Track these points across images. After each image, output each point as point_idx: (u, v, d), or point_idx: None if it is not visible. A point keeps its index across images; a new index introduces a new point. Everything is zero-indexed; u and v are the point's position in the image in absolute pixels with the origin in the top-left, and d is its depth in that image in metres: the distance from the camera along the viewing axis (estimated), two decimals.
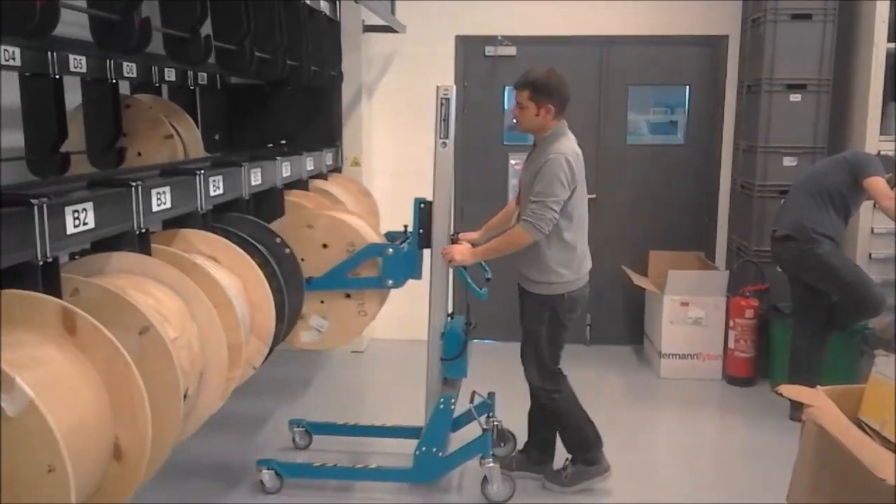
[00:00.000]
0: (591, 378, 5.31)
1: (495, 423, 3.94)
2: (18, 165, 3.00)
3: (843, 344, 4.71)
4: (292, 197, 4.02)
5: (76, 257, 2.51)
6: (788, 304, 4.89)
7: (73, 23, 2.47)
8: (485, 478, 3.57)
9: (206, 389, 2.54)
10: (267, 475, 3.61)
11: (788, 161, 5.10)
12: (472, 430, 3.80)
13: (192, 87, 4.08)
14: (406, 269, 3.77)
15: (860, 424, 2.57)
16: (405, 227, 3.86)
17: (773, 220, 4.83)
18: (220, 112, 4.45)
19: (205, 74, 4.13)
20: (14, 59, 2.65)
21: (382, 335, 5.94)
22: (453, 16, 5.70)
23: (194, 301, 2.49)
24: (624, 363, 5.63)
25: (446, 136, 3.49)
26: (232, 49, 3.30)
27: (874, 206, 4.70)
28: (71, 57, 2.92)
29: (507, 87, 5.71)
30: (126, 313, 2.14)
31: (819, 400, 2.56)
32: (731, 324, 5.12)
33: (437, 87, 3.49)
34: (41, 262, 2.06)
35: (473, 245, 3.63)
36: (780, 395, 2.84)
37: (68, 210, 2.17)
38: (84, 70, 3.02)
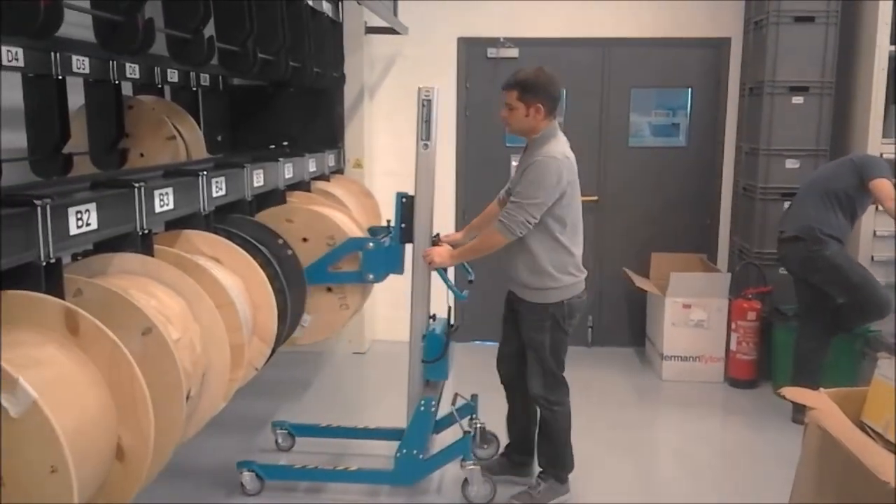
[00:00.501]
0: (593, 380, 5.31)
1: (478, 424, 3.94)
2: (21, 166, 3.00)
3: (845, 346, 4.69)
4: (294, 199, 4.03)
5: (79, 258, 2.52)
6: (791, 306, 4.89)
7: (77, 24, 2.48)
8: (465, 480, 3.57)
9: (209, 390, 2.55)
10: (247, 477, 3.60)
11: (791, 163, 5.09)
12: (455, 432, 3.79)
13: (194, 89, 4.09)
14: (387, 263, 3.77)
15: (863, 427, 2.57)
16: (388, 221, 3.85)
17: (775, 222, 4.83)
18: (223, 113, 4.45)
19: (207, 76, 4.14)
20: (17, 59, 2.66)
21: (384, 336, 5.94)
22: (455, 17, 5.70)
23: (197, 302, 2.50)
24: (626, 365, 5.63)
25: (428, 138, 3.47)
26: (235, 50, 3.30)
27: (876, 208, 4.70)
28: (74, 58, 2.93)
29: None
30: (129, 314, 2.15)
31: (822, 402, 2.55)
32: (734, 326, 5.11)
33: (419, 89, 3.45)
34: (44, 263, 2.06)
35: (456, 247, 3.62)
36: (783, 397, 2.82)
37: (71, 211, 2.18)
38: (87, 71, 3.03)
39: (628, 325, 5.96)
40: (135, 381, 1.99)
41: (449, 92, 5.78)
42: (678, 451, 4.39)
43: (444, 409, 3.85)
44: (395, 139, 5.74)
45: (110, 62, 3.18)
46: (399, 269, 3.80)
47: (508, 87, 3.38)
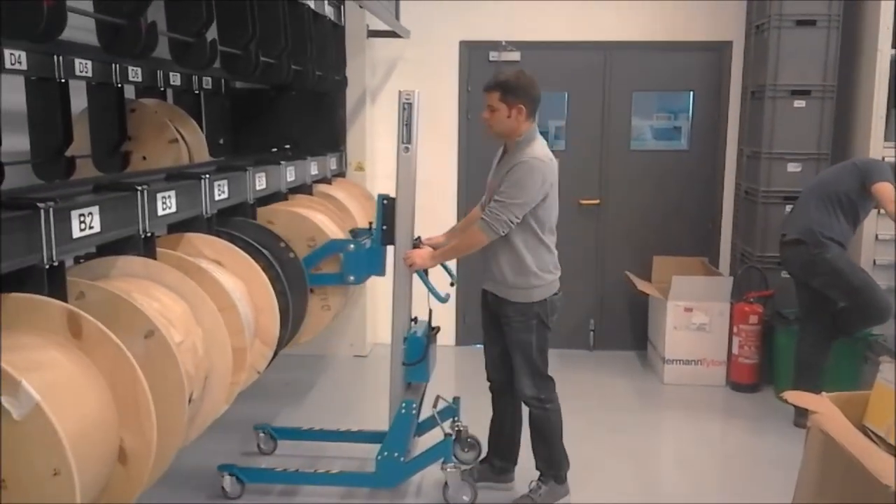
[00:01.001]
0: (595, 384, 5.31)
1: (459, 427, 3.94)
2: (24, 169, 3.00)
3: (847, 350, 4.69)
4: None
5: (81, 261, 2.52)
6: (793, 310, 4.88)
7: (80, 27, 2.48)
8: (446, 482, 3.57)
9: (211, 393, 2.55)
10: (228, 480, 3.60)
11: (792, 167, 5.09)
12: (438, 435, 3.78)
13: (196, 92, 4.10)
14: (368, 265, 3.78)
15: (865, 431, 2.56)
16: (369, 223, 3.85)
17: (777, 225, 4.82)
18: (225, 116, 4.46)
19: (209, 79, 4.15)
20: (20, 62, 2.66)
21: (385, 340, 5.91)
22: (458, 21, 5.71)
23: (199, 305, 2.50)
24: (627, 369, 5.62)
25: (409, 142, 3.48)
26: (237, 53, 3.31)
27: (879, 212, 4.70)
28: (77, 61, 2.94)
29: None
30: (131, 317, 2.15)
31: (824, 406, 2.55)
32: (735, 330, 5.11)
33: (400, 92, 3.47)
34: (47, 266, 2.06)
35: (437, 249, 3.62)
36: (785, 401, 2.82)
37: (74, 214, 2.18)
38: (90, 74, 3.03)
39: (630, 329, 5.96)
40: (137, 383, 1.99)
41: (451, 95, 5.79)
42: (680, 455, 4.39)
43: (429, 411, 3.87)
44: (397, 142, 5.73)
45: (113, 65, 3.18)
46: (380, 271, 3.81)
47: (490, 89, 3.39)
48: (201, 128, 4.02)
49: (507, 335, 3.52)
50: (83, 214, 2.22)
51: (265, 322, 3.00)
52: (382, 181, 5.74)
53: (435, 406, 3.88)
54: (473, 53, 5.79)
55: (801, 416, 4.22)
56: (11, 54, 2.61)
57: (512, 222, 3.31)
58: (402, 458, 3.53)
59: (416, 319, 3.70)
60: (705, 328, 5.18)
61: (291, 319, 3.35)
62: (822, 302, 4.50)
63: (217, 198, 3.11)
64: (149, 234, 2.58)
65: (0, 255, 1.88)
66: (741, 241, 5.56)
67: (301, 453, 4.07)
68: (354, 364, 5.67)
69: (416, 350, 3.55)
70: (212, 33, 3.04)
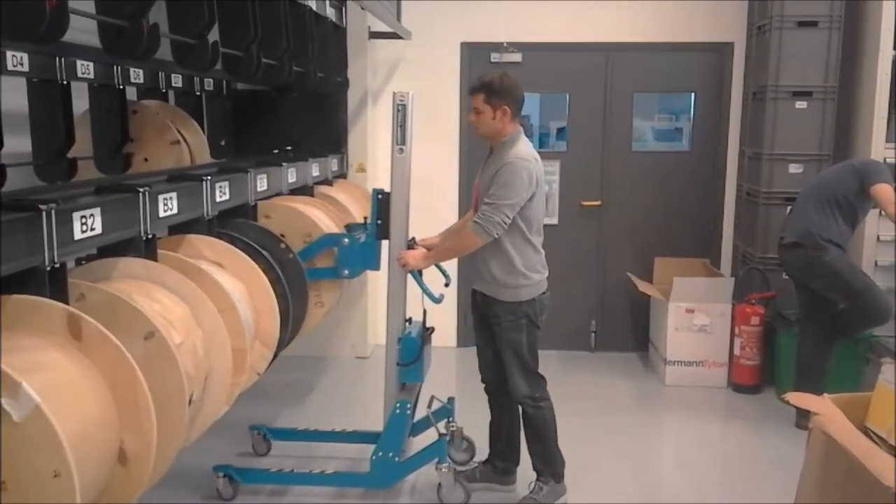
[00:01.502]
0: (596, 385, 5.31)
1: (454, 428, 3.94)
2: (26, 170, 3.01)
3: (849, 352, 4.69)
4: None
5: (83, 262, 2.52)
6: (794, 311, 4.88)
7: (82, 29, 2.48)
8: (440, 483, 3.57)
9: (211, 394, 2.55)
10: (222, 481, 3.60)
11: (794, 168, 5.09)
12: (433, 435, 3.78)
13: (198, 93, 4.10)
14: (363, 259, 3.79)
15: (867, 432, 2.56)
16: (364, 218, 3.86)
17: (778, 227, 4.82)
18: (227, 118, 4.46)
19: (211, 80, 4.15)
20: (22, 64, 2.66)
21: None
22: (459, 22, 5.71)
23: (199, 306, 2.50)
24: (629, 370, 5.62)
25: (403, 143, 3.49)
26: (238, 55, 3.31)
27: (880, 213, 4.69)
28: (78, 63, 2.94)
29: None
30: (131, 318, 2.15)
31: (826, 408, 2.55)
32: (737, 331, 5.10)
33: (394, 94, 3.48)
34: (48, 268, 2.06)
35: (432, 250, 3.63)
36: (787, 402, 2.82)
37: (76, 215, 2.18)
38: (91, 76, 3.03)
39: (631, 330, 5.96)
40: (137, 385, 1.99)
41: (452, 96, 5.79)
42: (681, 456, 4.39)
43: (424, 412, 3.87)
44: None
45: (115, 67, 3.18)
46: (375, 265, 3.84)
47: (475, 91, 3.44)
48: (203, 129, 4.02)
49: (498, 335, 3.53)
50: (85, 216, 2.22)
51: (265, 324, 3.00)
52: (384, 182, 5.71)
53: (429, 406, 3.88)
54: (474, 54, 5.79)
55: (802, 417, 4.21)
56: (13, 56, 2.61)
57: (504, 223, 3.33)
58: (396, 459, 3.53)
59: (410, 320, 3.70)
60: (707, 329, 5.18)
61: (291, 321, 3.35)
62: (821, 304, 4.50)
63: (218, 199, 3.11)
64: (150, 236, 2.58)
65: (1, 257, 1.88)
66: (742, 242, 5.56)
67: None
68: (356, 365, 5.67)
69: (410, 350, 3.56)
70: (213, 35, 3.05)
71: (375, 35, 5.54)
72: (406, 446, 3.70)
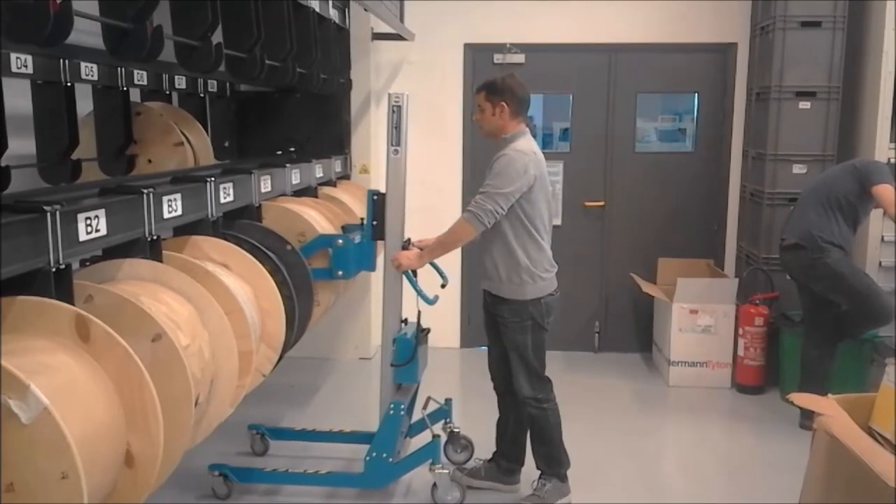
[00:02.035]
0: (600, 386, 5.31)
1: (451, 429, 3.94)
2: (30, 172, 3.01)
3: (853, 352, 4.68)
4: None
5: (87, 264, 2.53)
6: (798, 312, 4.87)
7: (86, 31, 2.49)
8: (434, 484, 3.58)
9: (217, 396, 2.55)
10: (217, 480, 3.61)
11: (798, 169, 5.09)
12: (430, 436, 3.76)
13: (202, 95, 4.11)
14: (358, 260, 3.79)
15: (871, 433, 2.56)
16: (361, 219, 3.86)
17: (782, 227, 4.81)
18: (230, 119, 4.47)
19: (215, 82, 4.16)
20: (26, 66, 2.67)
21: None
22: (462, 23, 5.71)
23: (206, 308, 2.50)
24: (633, 371, 5.62)
25: (398, 144, 3.51)
26: (242, 56, 3.31)
27: (884, 214, 4.68)
28: (82, 64, 2.95)
29: None
30: (139, 320, 2.15)
31: (830, 408, 2.55)
32: (741, 332, 5.10)
33: (389, 95, 3.52)
34: (54, 269, 2.07)
35: None
36: (791, 403, 2.82)
37: (81, 217, 2.18)
38: (95, 78, 3.04)
39: (635, 331, 5.96)
40: (144, 387, 1.99)
41: (455, 97, 5.79)
42: (685, 457, 4.39)
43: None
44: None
45: (118, 69, 3.19)
46: (370, 266, 3.84)
47: (478, 91, 3.57)
48: (206, 131, 4.03)
49: (503, 335, 3.55)
50: (89, 217, 2.22)
51: (271, 326, 3.00)
52: None
53: (425, 407, 3.89)
54: (478, 56, 5.79)
55: (806, 418, 4.21)
56: (17, 58, 2.62)
57: (497, 213, 3.33)
58: (390, 459, 3.54)
59: (406, 321, 3.71)
60: (710, 330, 5.17)
61: (297, 323, 3.35)
62: (824, 305, 4.49)
63: (222, 200, 3.11)
64: (155, 237, 2.58)
65: (7, 259, 1.89)
66: (746, 242, 5.55)
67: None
68: (359, 367, 5.67)
69: (405, 351, 3.56)
70: (217, 37, 3.05)
71: (379, 36, 5.54)
72: (401, 447, 3.70)
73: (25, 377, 1.69)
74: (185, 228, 2.92)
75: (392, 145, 3.51)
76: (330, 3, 4.48)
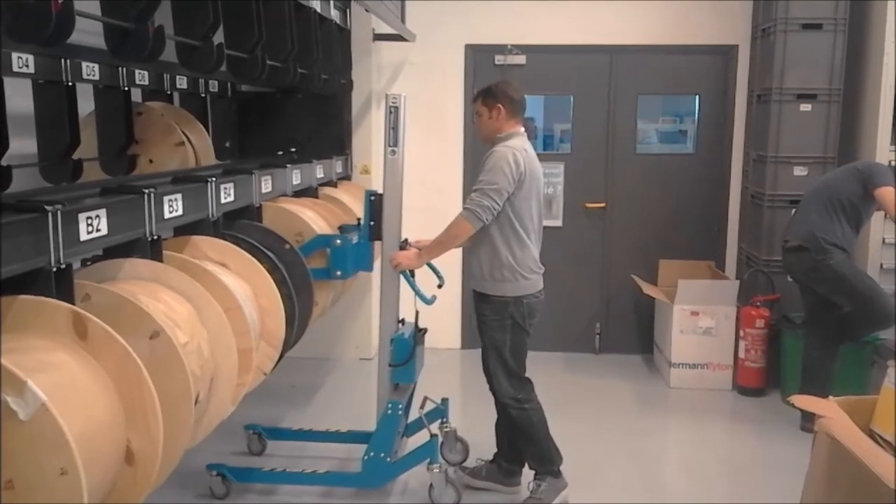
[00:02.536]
0: (601, 387, 5.31)
1: (447, 429, 3.94)
2: (31, 172, 3.02)
3: (855, 355, 4.67)
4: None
5: (88, 263, 2.53)
6: (799, 313, 4.87)
7: (87, 31, 2.49)
8: (431, 483, 3.58)
9: (217, 395, 2.55)
10: (215, 480, 3.61)
11: (799, 171, 5.08)
12: (427, 436, 3.76)
13: (203, 95, 4.11)
14: (355, 260, 3.79)
15: (872, 435, 2.56)
16: (358, 219, 3.87)
17: (783, 229, 4.81)
18: (231, 119, 4.48)
19: (216, 82, 4.16)
20: (28, 66, 2.67)
21: None
22: (463, 24, 5.72)
23: (205, 306, 2.50)
24: (634, 372, 5.61)
25: (395, 145, 3.50)
26: (243, 57, 3.32)
27: (885, 216, 4.68)
28: (84, 64, 2.95)
29: None
30: (137, 318, 2.15)
31: (831, 410, 2.54)
32: (742, 333, 5.09)
33: (386, 96, 3.52)
34: (54, 269, 2.07)
35: None
36: (792, 405, 2.82)
37: (82, 217, 2.19)
38: (97, 77, 3.05)
39: (636, 333, 5.95)
40: (143, 385, 2.00)
41: (456, 98, 5.80)
42: (685, 459, 4.38)
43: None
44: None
45: (120, 69, 3.20)
46: (368, 267, 3.85)
47: (476, 98, 3.65)
48: (207, 131, 4.03)
49: (483, 333, 3.56)
50: (90, 217, 2.22)
51: (271, 324, 3.00)
52: None
53: (422, 407, 3.89)
54: (479, 57, 5.79)
55: (807, 420, 4.20)
56: (19, 57, 2.62)
57: (494, 208, 3.35)
58: (388, 459, 3.54)
59: (403, 321, 3.71)
60: (711, 332, 5.17)
61: (297, 321, 3.36)
62: (826, 307, 4.49)
63: (223, 201, 3.11)
64: (155, 237, 2.59)
65: (8, 258, 1.89)
66: (747, 244, 5.55)
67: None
68: (360, 367, 5.67)
69: (402, 351, 3.56)
70: (218, 37, 3.05)
71: (380, 37, 5.55)
72: (398, 447, 3.70)
73: (23, 374, 1.69)
74: (185, 228, 2.92)
75: (389, 146, 3.51)
76: (331, 3, 4.49)
